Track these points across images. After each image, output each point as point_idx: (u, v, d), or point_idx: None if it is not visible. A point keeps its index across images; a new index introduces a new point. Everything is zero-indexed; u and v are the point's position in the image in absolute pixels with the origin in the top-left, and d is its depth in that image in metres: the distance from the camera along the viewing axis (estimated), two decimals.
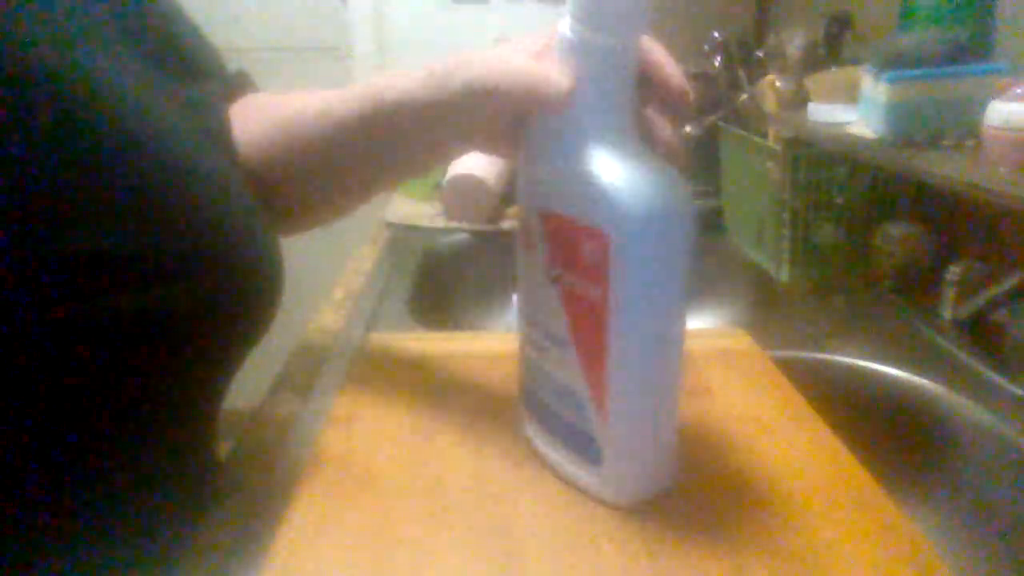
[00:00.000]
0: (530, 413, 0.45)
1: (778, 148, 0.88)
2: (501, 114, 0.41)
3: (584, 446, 0.40)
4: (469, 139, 0.45)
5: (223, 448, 0.51)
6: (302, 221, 0.55)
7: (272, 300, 0.43)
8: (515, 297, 0.92)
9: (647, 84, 0.39)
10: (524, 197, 0.41)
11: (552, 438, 0.43)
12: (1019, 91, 0.57)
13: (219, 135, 0.46)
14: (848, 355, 0.67)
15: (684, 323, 0.38)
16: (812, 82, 0.91)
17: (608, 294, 0.36)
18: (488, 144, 0.45)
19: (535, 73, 0.37)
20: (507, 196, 1.19)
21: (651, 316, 0.36)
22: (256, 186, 0.48)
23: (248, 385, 0.57)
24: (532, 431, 0.45)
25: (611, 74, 0.36)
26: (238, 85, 0.53)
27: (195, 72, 0.48)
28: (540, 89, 0.37)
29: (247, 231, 0.41)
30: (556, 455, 0.42)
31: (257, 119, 0.50)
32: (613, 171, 0.35)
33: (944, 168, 0.61)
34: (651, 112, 0.40)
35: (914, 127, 0.68)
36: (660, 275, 0.36)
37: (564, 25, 0.37)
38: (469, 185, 1.12)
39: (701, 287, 1.00)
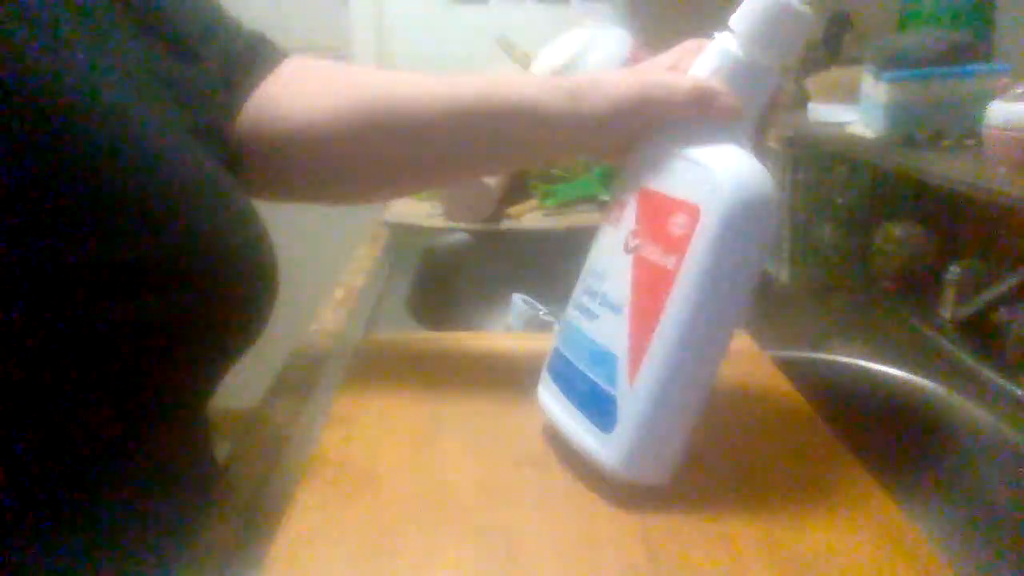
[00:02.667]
0: (552, 377, 0.45)
1: (778, 148, 0.88)
2: (645, 125, 0.42)
3: (601, 409, 0.40)
4: (603, 150, 0.47)
5: (223, 448, 0.51)
6: (364, 195, 0.56)
7: (265, 306, 0.43)
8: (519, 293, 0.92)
9: None
10: (627, 178, 0.43)
11: (569, 401, 0.43)
12: (1019, 91, 0.57)
13: (211, 133, 0.45)
14: (848, 355, 0.67)
15: (736, 322, 0.39)
16: (812, 82, 0.91)
17: (681, 264, 0.37)
18: (611, 147, 0.46)
19: (706, 87, 0.40)
20: (507, 196, 1.19)
21: (711, 297, 0.38)
22: (315, 157, 0.48)
23: (248, 385, 0.57)
24: (548, 395, 0.45)
25: (761, 88, 0.41)
26: (256, 57, 0.52)
27: (200, 47, 0.47)
28: (717, 102, 0.39)
29: (237, 238, 0.40)
30: (568, 419, 0.43)
31: (326, 91, 0.49)
32: (721, 158, 0.38)
33: (944, 168, 0.61)
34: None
35: (914, 127, 0.68)
36: (734, 261, 0.38)
37: (730, 43, 0.40)
38: (469, 185, 1.12)
39: None
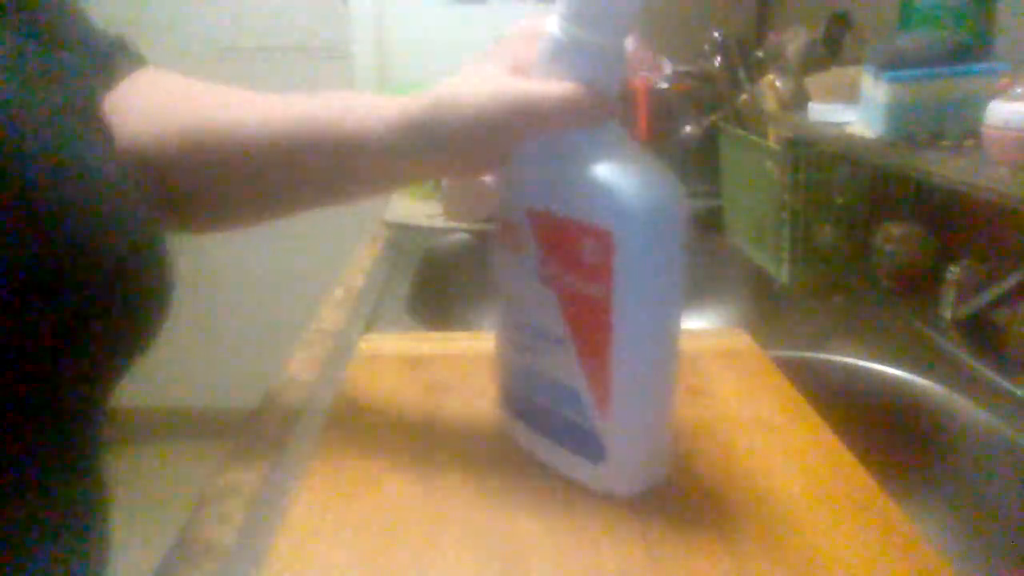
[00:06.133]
0: (517, 417, 0.45)
1: (778, 148, 0.88)
2: (505, 141, 0.39)
3: (584, 443, 0.40)
4: (453, 172, 0.43)
5: (223, 448, 0.51)
6: (213, 224, 0.50)
7: (160, 308, 0.37)
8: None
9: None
10: (510, 199, 0.41)
11: (546, 438, 0.42)
12: (1019, 91, 0.57)
13: (91, 116, 0.39)
14: (848, 355, 0.67)
15: (681, 315, 0.39)
16: (812, 82, 0.91)
17: (612, 291, 0.36)
18: (470, 171, 0.43)
19: (575, 95, 0.36)
20: None
21: (653, 311, 0.37)
22: (157, 180, 0.42)
23: (248, 385, 0.57)
24: (522, 436, 0.45)
25: (602, 73, 0.36)
26: (117, 58, 0.47)
27: (62, 39, 0.41)
28: (589, 108, 0.36)
29: (129, 230, 0.35)
30: (551, 455, 0.42)
31: (161, 111, 0.45)
32: (613, 170, 0.35)
33: (944, 168, 0.61)
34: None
35: (914, 127, 0.68)
36: (661, 270, 0.36)
37: (553, 26, 0.36)
38: (469, 185, 1.12)
39: (701, 287, 1.00)
